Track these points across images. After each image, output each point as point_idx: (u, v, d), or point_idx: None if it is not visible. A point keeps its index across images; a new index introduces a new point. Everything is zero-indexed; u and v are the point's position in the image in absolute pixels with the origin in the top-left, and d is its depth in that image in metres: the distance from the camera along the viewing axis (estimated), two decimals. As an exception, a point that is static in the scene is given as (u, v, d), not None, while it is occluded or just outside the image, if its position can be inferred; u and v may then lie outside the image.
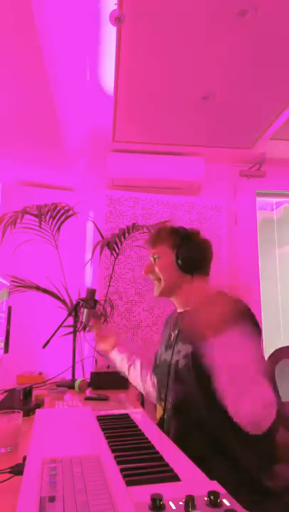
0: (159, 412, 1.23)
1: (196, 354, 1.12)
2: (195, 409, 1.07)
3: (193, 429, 1.03)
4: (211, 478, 0.63)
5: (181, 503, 0.52)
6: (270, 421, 0.92)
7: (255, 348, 1.03)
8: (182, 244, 1.25)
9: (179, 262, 1.24)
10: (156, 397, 1.33)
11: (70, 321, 2.12)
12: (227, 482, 0.60)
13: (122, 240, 2.55)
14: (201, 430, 1.02)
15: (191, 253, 1.24)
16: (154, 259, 1.32)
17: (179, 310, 1.34)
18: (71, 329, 2.16)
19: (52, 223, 2.46)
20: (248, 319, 1.08)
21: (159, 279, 1.30)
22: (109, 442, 0.81)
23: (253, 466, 1.01)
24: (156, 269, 1.30)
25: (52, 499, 0.54)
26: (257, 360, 1.00)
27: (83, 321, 2.00)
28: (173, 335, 1.30)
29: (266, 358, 1.46)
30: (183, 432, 1.06)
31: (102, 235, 2.63)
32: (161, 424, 1.21)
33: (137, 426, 0.95)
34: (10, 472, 0.80)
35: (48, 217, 2.41)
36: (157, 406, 1.27)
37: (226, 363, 0.97)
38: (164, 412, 1.20)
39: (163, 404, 1.22)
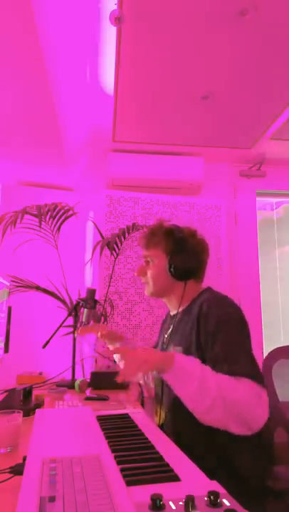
0: (160, 416, 1.22)
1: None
2: (190, 413, 1.03)
3: (191, 433, 1.01)
4: (212, 479, 0.62)
5: (181, 503, 0.52)
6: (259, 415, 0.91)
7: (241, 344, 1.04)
8: (176, 251, 1.21)
9: (172, 270, 1.21)
10: (155, 399, 1.31)
11: (70, 321, 2.12)
12: (228, 484, 0.60)
13: (122, 239, 2.55)
14: (199, 433, 0.99)
15: (184, 262, 1.21)
16: (147, 261, 1.31)
17: (171, 313, 1.33)
18: (71, 329, 2.16)
19: (52, 223, 2.46)
20: (236, 319, 1.09)
21: (149, 283, 1.30)
22: (109, 442, 0.81)
23: (253, 467, 1.01)
24: (148, 274, 1.29)
25: (52, 499, 0.54)
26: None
27: (83, 321, 2.01)
28: (166, 338, 1.29)
29: (265, 358, 1.45)
30: (182, 437, 1.03)
31: (102, 235, 2.63)
32: (161, 428, 1.19)
33: (137, 426, 0.95)
34: (10, 472, 0.80)
35: (48, 217, 2.41)
36: (157, 409, 1.26)
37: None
38: (164, 417, 1.19)
39: (160, 409, 1.21)
